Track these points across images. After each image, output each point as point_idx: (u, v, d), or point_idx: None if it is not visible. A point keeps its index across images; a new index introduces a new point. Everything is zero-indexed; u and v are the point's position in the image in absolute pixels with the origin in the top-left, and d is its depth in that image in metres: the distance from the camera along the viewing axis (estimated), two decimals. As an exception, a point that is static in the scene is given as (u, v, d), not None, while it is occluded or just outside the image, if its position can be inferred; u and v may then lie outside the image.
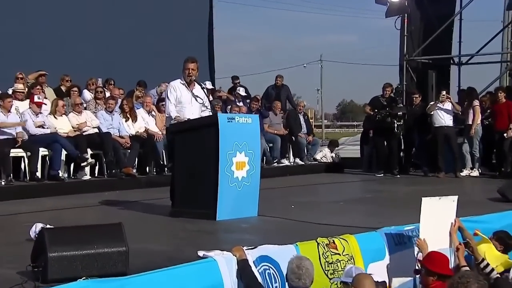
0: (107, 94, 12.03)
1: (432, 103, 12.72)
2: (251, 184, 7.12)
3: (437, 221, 5.62)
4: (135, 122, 11.25)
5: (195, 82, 7.62)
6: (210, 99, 8.07)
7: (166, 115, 7.51)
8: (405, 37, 14.58)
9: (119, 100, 11.69)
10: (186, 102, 7.51)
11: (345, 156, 15.73)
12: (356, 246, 5.51)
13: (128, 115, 11.21)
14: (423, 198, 5.41)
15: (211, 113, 7.80)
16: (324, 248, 5.32)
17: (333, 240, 5.44)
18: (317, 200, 9.08)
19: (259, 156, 7.38)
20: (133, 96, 12.13)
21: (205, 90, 7.98)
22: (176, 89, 7.48)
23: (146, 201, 8.86)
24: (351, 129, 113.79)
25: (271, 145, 13.47)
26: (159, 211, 7.66)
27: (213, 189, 6.81)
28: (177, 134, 7.15)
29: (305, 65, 67.30)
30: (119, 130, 10.98)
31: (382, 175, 12.76)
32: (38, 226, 5.63)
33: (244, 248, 4.88)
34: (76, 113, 10.68)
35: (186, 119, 7.31)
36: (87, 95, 11.99)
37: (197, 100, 7.54)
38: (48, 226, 5.55)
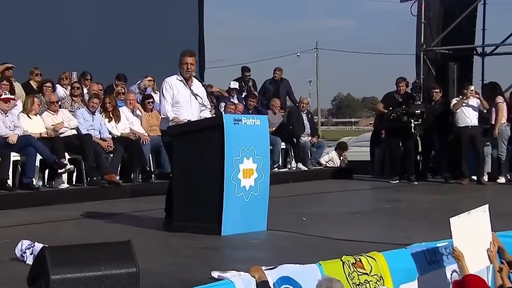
0: (85, 90, 12.13)
1: (456, 99, 12.86)
2: (260, 194, 7.26)
3: (471, 240, 5.71)
4: (118, 122, 11.33)
5: (194, 78, 7.72)
6: None
7: (162, 116, 7.62)
8: (423, 24, 14.75)
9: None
10: (185, 101, 7.61)
11: (350, 159, 15.91)
12: (384, 265, 5.64)
13: (111, 115, 11.31)
14: (451, 219, 5.52)
15: (210, 113, 7.91)
16: (350, 267, 5.45)
17: (360, 259, 5.55)
18: (330, 211, 9.24)
19: (268, 163, 7.50)
20: (114, 93, 12.19)
21: (205, 87, 8.12)
22: (173, 87, 7.55)
23: (134, 213, 8.98)
24: (348, 127, 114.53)
25: (270, 147, 13.60)
26: (153, 225, 7.77)
27: (217, 200, 6.92)
28: (176, 138, 7.25)
29: (298, 54, 67.91)
30: (100, 131, 11.08)
31: (397, 181, 12.97)
32: (25, 243, 5.74)
33: (263, 268, 5.00)
34: (51, 112, 10.75)
35: (186, 121, 7.41)
36: (61, 91, 12.07)
37: (196, 99, 7.65)
38: (37, 244, 5.66)
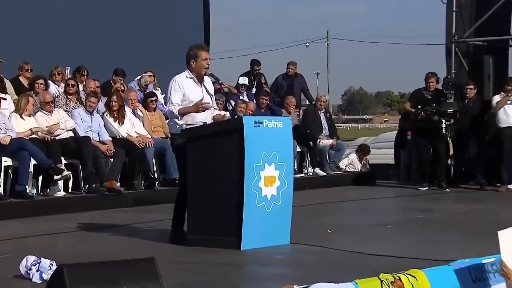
0: (80, 87, 12.22)
1: (500, 96, 12.86)
2: (282, 204, 7.36)
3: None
4: (121, 124, 11.47)
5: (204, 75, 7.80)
6: None
7: (174, 117, 7.55)
8: (454, 13, 14.79)
9: (104, 99, 11.86)
10: (198, 101, 7.67)
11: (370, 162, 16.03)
12: (426, 284, 5.69)
13: (116, 115, 11.44)
14: (499, 233, 5.59)
15: (217, 114, 7.94)
16: (389, 286, 5.54)
17: (399, 277, 5.62)
18: (356, 222, 9.35)
19: (291, 169, 7.61)
20: (113, 90, 12.28)
21: (220, 84, 8.21)
22: (183, 86, 7.54)
23: (139, 224, 9.07)
24: (360, 125, 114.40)
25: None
26: (161, 238, 7.87)
27: (236, 211, 7.02)
28: (190, 142, 7.34)
29: (307, 44, 67.93)
30: (99, 133, 11.20)
31: (427, 188, 13.08)
32: (30, 259, 5.84)
33: (295, 287, 5.10)
34: (46, 113, 10.87)
35: (201, 123, 7.49)
36: (53, 88, 12.16)
37: (211, 99, 7.74)
38: (44, 260, 5.77)
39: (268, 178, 7.21)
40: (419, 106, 12.97)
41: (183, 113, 7.47)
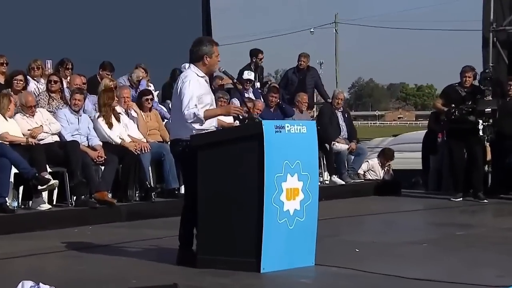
0: (64, 83, 12.24)
1: None
2: (306, 220, 7.39)
3: None
4: (113, 127, 11.51)
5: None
6: None
7: (189, 119, 7.51)
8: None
9: (90, 96, 11.93)
10: (210, 102, 7.69)
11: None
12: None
13: (108, 117, 11.48)
14: None
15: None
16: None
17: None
18: (386, 240, 9.39)
19: (317, 180, 7.66)
20: (103, 87, 12.29)
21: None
22: (198, 86, 7.63)
23: (137, 242, 9.08)
24: (370, 122, 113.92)
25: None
26: (165, 258, 7.89)
27: (255, 228, 7.05)
28: (202, 150, 7.37)
29: (312, 29, 67.98)
30: (88, 137, 11.23)
31: (461, 199, 13.14)
32: (26, 284, 5.87)
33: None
34: (27, 114, 10.89)
35: (217, 128, 7.54)
36: (31, 85, 12.18)
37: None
38: (42, 285, 5.80)
39: (291, 190, 7.24)
40: (453, 105, 13.00)
41: (209, 116, 7.50)
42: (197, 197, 7.37)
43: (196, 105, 7.44)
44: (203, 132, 7.50)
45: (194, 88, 7.51)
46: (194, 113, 7.40)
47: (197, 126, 7.50)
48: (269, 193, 7.04)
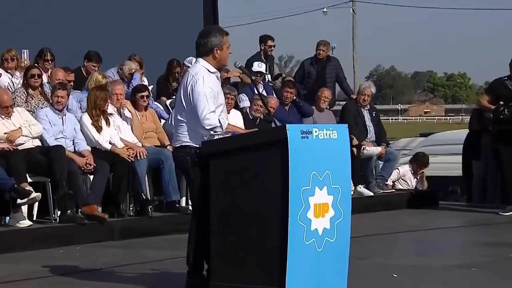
0: (44, 78, 12.30)
1: None
2: (337, 240, 7.43)
3: None
4: (100, 131, 11.59)
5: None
6: None
7: (207, 127, 7.55)
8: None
9: (74, 92, 11.96)
10: (224, 104, 7.82)
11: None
12: None
13: (103, 119, 11.57)
14: None
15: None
16: None
17: None
18: (427, 263, 9.43)
19: (349, 194, 7.71)
20: (91, 82, 12.35)
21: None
22: (211, 84, 7.68)
23: (134, 265, 9.17)
24: (392, 118, 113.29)
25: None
26: (170, 286, 7.97)
27: (278, 250, 7.07)
28: (215, 159, 7.42)
29: (325, 9, 68.05)
30: (74, 140, 11.33)
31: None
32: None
33: None
34: (2, 115, 10.93)
35: (233, 133, 7.60)
36: (4, 78, 12.27)
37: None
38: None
39: (319, 206, 7.28)
40: (501, 102, 13.10)
41: (230, 129, 7.68)
42: (207, 214, 7.41)
43: (215, 110, 7.52)
44: (217, 138, 7.57)
45: (210, 87, 7.59)
46: (219, 125, 7.58)
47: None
48: (294, 210, 7.06)
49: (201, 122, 7.50)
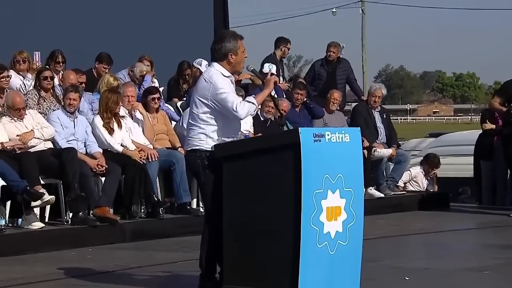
0: (56, 80, 12.31)
1: None
2: (350, 244, 7.45)
3: None
4: (114, 133, 11.61)
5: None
6: None
7: (244, 114, 7.56)
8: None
9: (86, 94, 12.00)
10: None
11: None
12: None
13: (114, 121, 11.59)
14: None
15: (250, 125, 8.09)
16: None
17: None
18: (439, 266, 9.44)
19: (361, 197, 7.74)
20: (103, 84, 12.36)
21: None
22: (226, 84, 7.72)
23: (146, 267, 9.19)
24: (401, 118, 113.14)
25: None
26: (183, 288, 8.00)
27: (290, 253, 7.09)
28: (227, 162, 7.44)
29: (334, 9, 67.93)
30: (85, 143, 11.36)
31: (523, 215, 13.16)
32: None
33: None
34: (15, 117, 10.95)
35: (246, 137, 7.63)
36: (16, 80, 12.25)
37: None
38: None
39: (332, 209, 7.29)
40: (512, 104, 13.08)
41: (261, 101, 7.84)
42: (219, 217, 7.42)
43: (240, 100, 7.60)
44: (230, 141, 7.60)
45: (227, 86, 7.63)
46: (248, 105, 7.58)
47: (220, 133, 7.61)
48: (306, 213, 7.07)
49: (237, 117, 7.60)
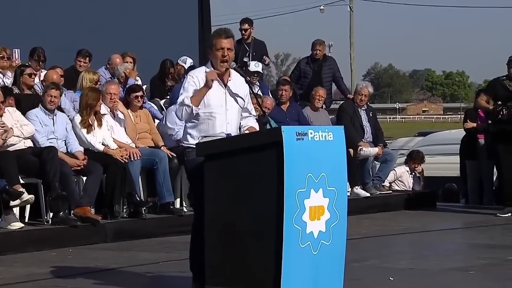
0: (36, 78, 12.29)
1: None
2: (333, 243, 7.43)
3: None
4: (90, 131, 11.57)
5: (232, 71, 7.88)
6: None
7: (179, 115, 7.64)
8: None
9: (68, 92, 11.97)
10: (218, 105, 7.74)
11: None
12: None
13: (95, 119, 11.58)
14: None
15: (256, 122, 8.09)
16: None
17: None
18: (424, 266, 9.46)
19: (345, 196, 7.69)
20: (84, 81, 12.35)
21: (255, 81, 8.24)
22: (200, 83, 7.68)
23: (129, 268, 9.18)
24: (389, 117, 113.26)
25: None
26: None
27: (273, 253, 7.08)
28: (209, 160, 7.43)
29: (322, 6, 67.97)
30: (66, 141, 11.35)
31: (510, 214, 13.18)
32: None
33: None
34: (-7, 115, 10.93)
35: (225, 135, 7.59)
36: (-5, 79, 12.25)
37: (237, 102, 7.85)
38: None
39: (315, 208, 7.28)
40: (499, 102, 13.12)
41: (198, 100, 7.58)
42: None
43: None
44: (211, 139, 7.58)
45: (191, 86, 7.63)
46: (180, 102, 7.57)
47: (202, 132, 7.60)
48: (289, 212, 7.05)
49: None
